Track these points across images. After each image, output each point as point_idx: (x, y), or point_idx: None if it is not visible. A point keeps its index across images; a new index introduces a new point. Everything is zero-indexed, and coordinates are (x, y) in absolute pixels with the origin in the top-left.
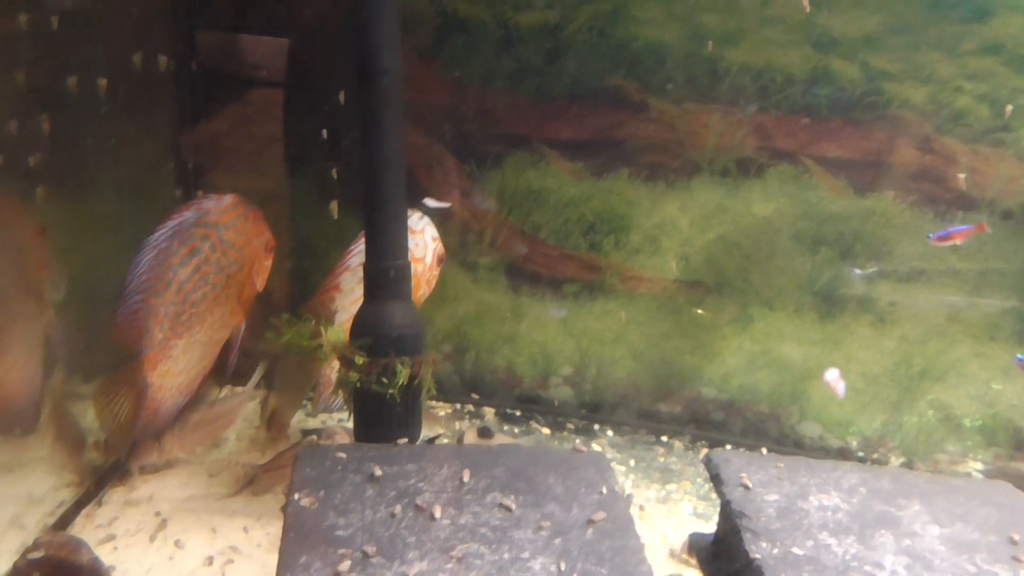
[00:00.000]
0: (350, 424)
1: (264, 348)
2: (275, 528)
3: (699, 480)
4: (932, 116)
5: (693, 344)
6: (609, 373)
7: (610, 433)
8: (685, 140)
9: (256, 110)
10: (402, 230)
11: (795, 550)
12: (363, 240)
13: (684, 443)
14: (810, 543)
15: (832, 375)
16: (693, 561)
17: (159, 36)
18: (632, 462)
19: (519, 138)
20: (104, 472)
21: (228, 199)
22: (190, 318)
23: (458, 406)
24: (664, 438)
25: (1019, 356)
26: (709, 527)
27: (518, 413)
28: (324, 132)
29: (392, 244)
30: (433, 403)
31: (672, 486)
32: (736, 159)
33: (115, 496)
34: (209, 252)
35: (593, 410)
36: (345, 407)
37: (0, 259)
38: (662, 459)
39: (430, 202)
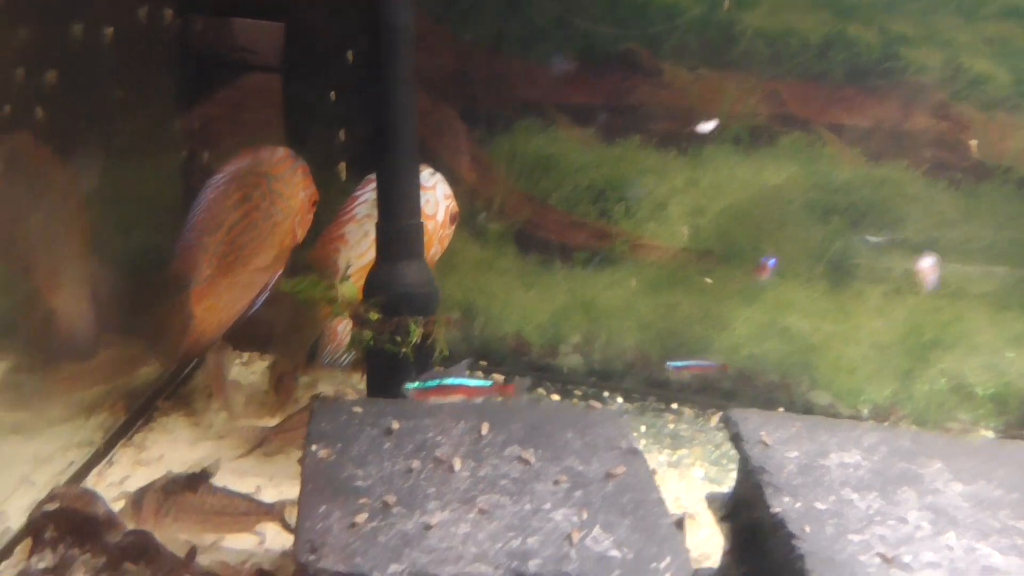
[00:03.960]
0: (360, 387)
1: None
2: (287, 488)
3: (709, 446)
4: (948, 82)
5: (703, 313)
6: (618, 341)
7: (619, 400)
8: (697, 106)
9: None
10: (415, 188)
11: (817, 504)
12: (368, 188)
13: (694, 411)
14: (832, 498)
15: (927, 262)
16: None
17: None
18: (643, 428)
19: (529, 103)
20: (114, 431)
21: (280, 151)
22: (236, 259)
23: (467, 373)
24: (674, 405)
25: None
26: (723, 490)
27: (527, 380)
28: (332, 94)
29: (405, 202)
30: (441, 371)
31: (683, 451)
32: (749, 126)
33: (125, 456)
34: (259, 199)
35: (602, 378)
36: (350, 362)
37: (46, 201)
38: (672, 426)
39: None
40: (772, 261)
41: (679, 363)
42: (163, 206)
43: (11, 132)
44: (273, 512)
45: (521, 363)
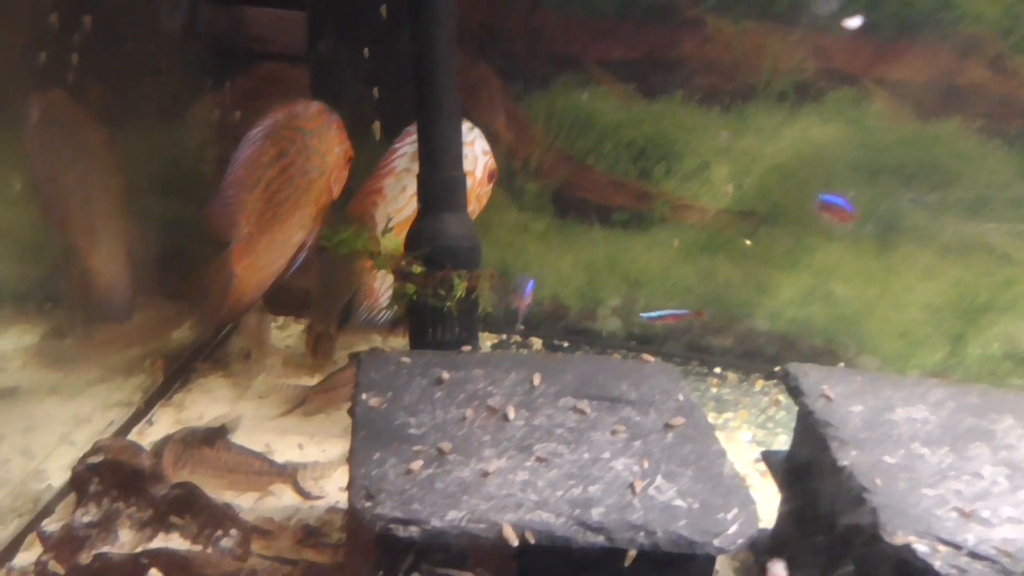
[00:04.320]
0: (398, 346)
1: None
2: (330, 446)
3: (755, 410)
4: (1007, 33)
5: (745, 276)
6: (659, 305)
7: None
8: (741, 61)
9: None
10: (457, 140)
11: (886, 459)
12: (406, 141)
13: (738, 375)
14: (902, 452)
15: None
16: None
17: None
18: None
19: (568, 58)
20: (153, 391)
21: (315, 105)
22: (273, 216)
23: (504, 336)
24: (717, 370)
25: None
26: (778, 448)
27: (565, 344)
28: (366, 51)
29: (448, 153)
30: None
31: (729, 415)
32: (794, 82)
33: (165, 415)
34: (295, 155)
35: (642, 342)
36: (387, 320)
37: (81, 157)
38: (715, 390)
39: None
40: (841, 199)
41: (653, 314)
42: (196, 165)
43: (46, 84)
44: (286, 475)
45: (558, 327)
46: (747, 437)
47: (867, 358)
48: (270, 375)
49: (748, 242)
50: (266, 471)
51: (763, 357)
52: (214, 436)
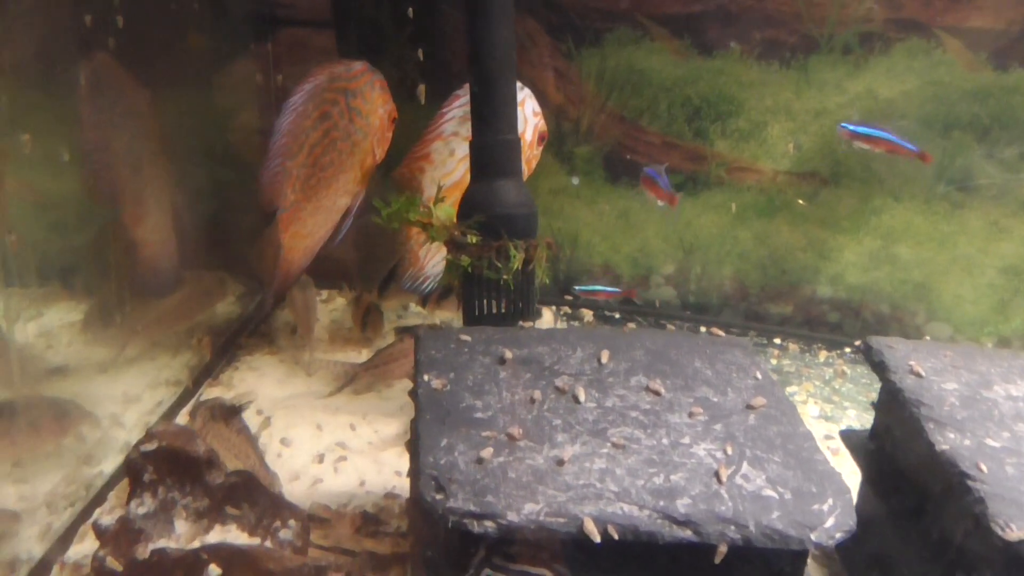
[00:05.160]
0: (447, 321)
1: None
2: (383, 426)
3: (819, 383)
4: None
5: (806, 240)
6: (715, 272)
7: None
8: (804, 12)
9: None
10: (512, 102)
11: (990, 441)
12: (455, 104)
13: (799, 346)
14: (1006, 435)
15: None
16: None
17: None
18: None
19: (620, 12)
20: (199, 370)
21: (357, 65)
22: (318, 182)
23: (554, 308)
24: (777, 340)
25: None
26: (857, 426)
27: (617, 315)
28: (410, 10)
29: (502, 117)
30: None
31: (793, 388)
32: (859, 33)
33: (214, 394)
34: (338, 117)
35: (698, 311)
36: (432, 288)
37: (130, 129)
38: (776, 361)
39: None
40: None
41: (585, 287)
42: (242, 132)
43: (93, 47)
44: (271, 476)
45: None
46: (814, 412)
47: (938, 325)
48: (317, 351)
49: (801, 202)
50: (255, 466)
51: (825, 325)
52: (230, 414)
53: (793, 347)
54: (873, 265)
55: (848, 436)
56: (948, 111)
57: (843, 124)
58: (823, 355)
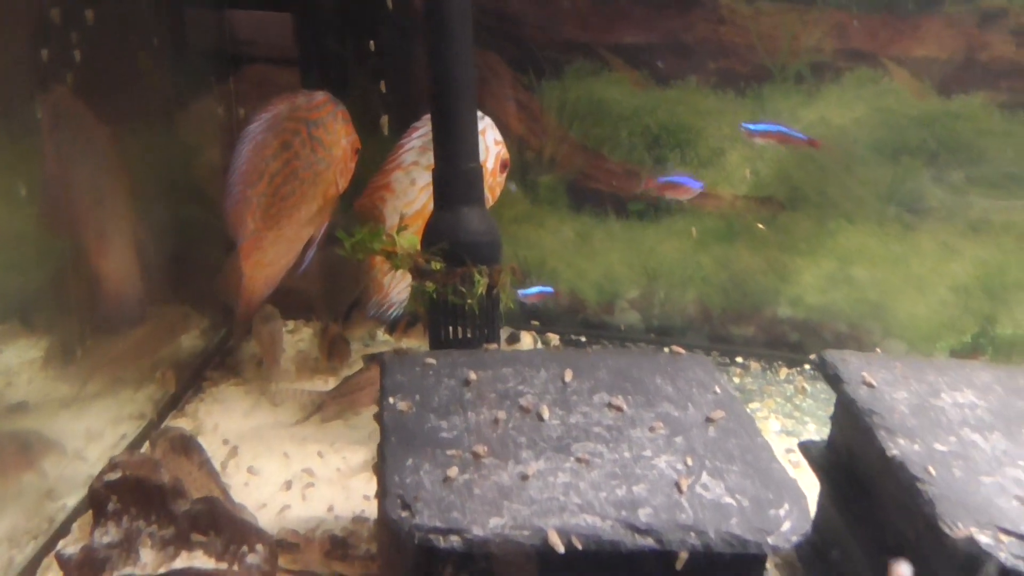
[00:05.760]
0: (415, 349)
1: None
2: (351, 453)
3: (780, 399)
4: None
5: (766, 263)
6: (678, 296)
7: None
8: (757, 43)
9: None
10: (473, 131)
11: (937, 446)
12: (414, 135)
13: (760, 364)
14: (953, 439)
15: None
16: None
17: None
18: None
19: (579, 44)
20: (164, 403)
21: (319, 96)
22: (279, 211)
23: (534, 333)
24: (739, 359)
25: None
26: (815, 438)
27: (583, 339)
28: (371, 44)
29: (464, 146)
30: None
31: (755, 404)
32: (811, 63)
33: (178, 427)
34: (299, 147)
35: (662, 334)
36: (397, 315)
37: (91, 162)
38: (739, 380)
39: None
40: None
41: (527, 291)
42: (203, 167)
43: (51, 82)
44: (240, 510)
45: (575, 321)
46: (776, 427)
47: (893, 342)
48: (283, 381)
49: (761, 226)
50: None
51: (786, 345)
52: (191, 447)
53: (755, 366)
54: (831, 286)
55: (807, 448)
56: (897, 136)
57: (744, 124)
58: (784, 372)
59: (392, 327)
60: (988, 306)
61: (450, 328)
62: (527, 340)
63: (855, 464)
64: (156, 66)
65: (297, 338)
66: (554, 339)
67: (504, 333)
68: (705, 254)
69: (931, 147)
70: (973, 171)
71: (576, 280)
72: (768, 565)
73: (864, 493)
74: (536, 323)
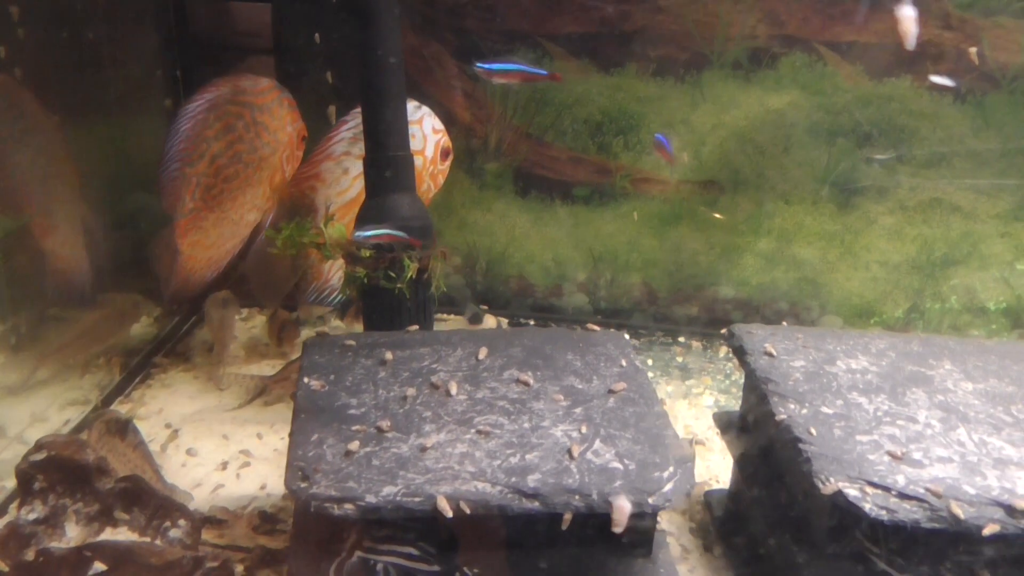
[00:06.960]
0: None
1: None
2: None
3: (719, 376)
4: None
5: (708, 244)
6: (624, 278)
7: (626, 337)
8: (694, 31)
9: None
10: (402, 119)
11: (824, 409)
12: (344, 127)
13: (702, 343)
14: (840, 402)
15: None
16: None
17: None
18: (650, 362)
19: (521, 34)
20: (110, 389)
21: (264, 82)
22: (221, 193)
23: (499, 318)
24: (681, 339)
25: None
26: (731, 409)
27: (532, 322)
28: (316, 36)
29: (393, 134)
30: (445, 316)
31: (692, 381)
32: (747, 49)
33: (124, 411)
34: (243, 131)
35: (609, 316)
36: (338, 301)
37: (35, 144)
38: (680, 359)
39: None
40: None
41: (365, 232)
42: (149, 156)
43: None
44: (167, 488)
45: (524, 305)
46: (709, 402)
47: (831, 318)
48: (232, 366)
49: (718, 216)
50: (153, 478)
51: (727, 324)
52: (125, 429)
53: (696, 344)
54: (771, 265)
55: (719, 417)
56: (832, 119)
57: (478, 63)
58: (723, 351)
59: (344, 312)
60: (919, 281)
61: (382, 312)
62: (491, 322)
63: (756, 430)
64: (105, 56)
65: (251, 324)
66: (504, 322)
67: (467, 314)
68: (650, 237)
69: (864, 129)
70: (904, 152)
71: (525, 264)
72: (685, 533)
73: (764, 459)
74: (484, 307)
